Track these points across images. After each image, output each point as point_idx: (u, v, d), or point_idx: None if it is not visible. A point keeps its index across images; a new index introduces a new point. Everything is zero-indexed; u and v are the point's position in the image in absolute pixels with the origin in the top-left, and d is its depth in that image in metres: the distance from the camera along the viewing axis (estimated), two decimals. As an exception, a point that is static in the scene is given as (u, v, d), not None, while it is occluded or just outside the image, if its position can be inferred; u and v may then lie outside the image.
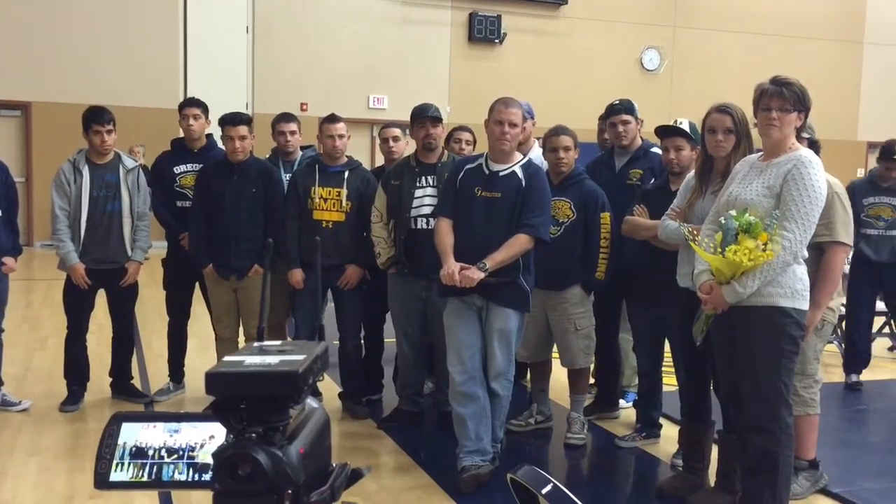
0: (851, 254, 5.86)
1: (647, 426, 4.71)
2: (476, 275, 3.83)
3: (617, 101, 4.97)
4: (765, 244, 3.13)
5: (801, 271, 3.28)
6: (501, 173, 4.01)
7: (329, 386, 5.43)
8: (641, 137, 4.96)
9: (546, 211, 4.07)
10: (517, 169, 4.02)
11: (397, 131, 5.19)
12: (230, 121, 4.90)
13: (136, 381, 5.42)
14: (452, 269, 3.87)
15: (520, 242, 3.91)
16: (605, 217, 4.49)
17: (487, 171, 4.04)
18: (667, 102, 15.00)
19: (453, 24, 15.35)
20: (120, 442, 1.05)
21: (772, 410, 3.27)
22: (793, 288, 3.24)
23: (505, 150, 4.01)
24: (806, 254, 3.29)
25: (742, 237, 3.15)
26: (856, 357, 6.13)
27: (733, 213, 3.22)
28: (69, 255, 4.92)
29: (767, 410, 3.27)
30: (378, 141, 5.41)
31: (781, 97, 3.25)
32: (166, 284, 5.42)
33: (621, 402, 5.25)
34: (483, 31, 15.31)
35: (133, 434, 1.05)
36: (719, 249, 3.21)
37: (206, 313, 5.36)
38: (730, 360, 3.41)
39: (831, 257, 3.72)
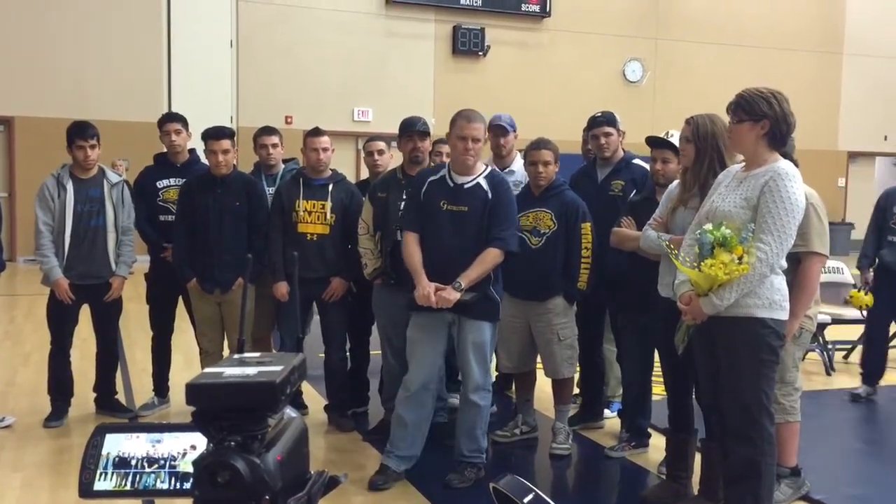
0: (877, 263, 5.91)
1: (636, 435, 4.73)
2: (452, 296, 3.88)
3: (599, 114, 5.02)
4: (740, 257, 3.15)
5: (780, 282, 3.31)
6: (466, 186, 4.03)
7: (315, 398, 5.44)
8: (623, 149, 5.01)
9: (514, 222, 4.12)
10: (482, 180, 4.04)
11: (382, 144, 5.21)
12: (213, 135, 4.90)
13: (121, 396, 5.40)
14: (428, 290, 3.90)
15: (491, 257, 3.95)
16: (586, 227, 4.52)
17: (452, 184, 4.06)
18: (649, 114, 15.11)
19: (437, 37, 15.42)
20: (104, 452, 1.07)
21: (753, 419, 3.29)
22: (771, 299, 3.27)
23: (469, 164, 4.03)
24: (784, 264, 3.33)
25: (718, 251, 3.18)
26: (873, 366, 6.07)
27: (708, 226, 3.25)
28: (53, 271, 4.91)
29: (749, 419, 3.30)
30: (363, 154, 5.43)
31: (732, 109, 3.32)
32: (149, 299, 5.41)
33: (606, 412, 5.27)
34: (467, 44, 15.38)
35: (116, 444, 1.08)
36: (696, 263, 3.24)
37: (190, 328, 5.35)
38: (711, 369, 3.45)
39: (807, 267, 3.76)
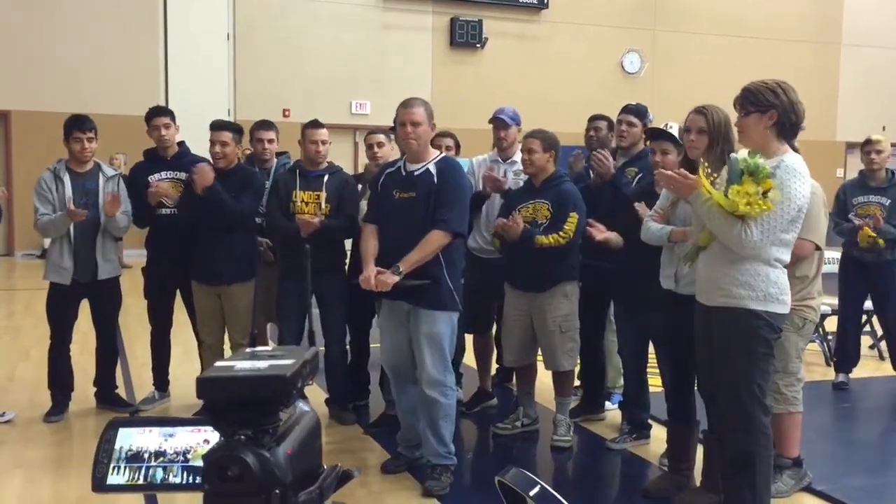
0: (840, 253, 5.90)
1: (637, 427, 4.73)
2: (390, 279, 3.86)
3: (633, 103, 5.03)
4: (766, 192, 3.07)
5: (776, 275, 3.27)
6: (416, 173, 4.05)
7: (315, 392, 5.43)
8: (645, 144, 4.97)
9: (460, 204, 4.05)
10: (430, 166, 4.05)
11: (382, 137, 5.20)
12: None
13: (121, 391, 5.39)
14: (368, 273, 3.93)
15: (433, 239, 3.91)
16: (573, 216, 4.47)
17: (404, 173, 4.09)
18: (648, 105, 14.98)
19: (435, 29, 15.37)
20: (116, 446, 1.07)
21: (746, 411, 3.29)
22: (765, 291, 3.24)
23: (413, 148, 4.03)
24: (785, 258, 3.29)
25: (745, 179, 3.09)
26: (846, 356, 6.17)
27: (743, 153, 3.17)
28: (58, 217, 4.84)
29: (742, 412, 3.29)
30: (360, 146, 5.44)
31: (739, 102, 3.29)
32: (147, 293, 5.39)
33: (607, 403, 5.27)
34: (465, 36, 15.33)
35: (129, 439, 1.08)
36: (724, 187, 3.15)
37: (188, 321, 5.33)
38: (708, 360, 3.44)
39: (796, 250, 3.72)
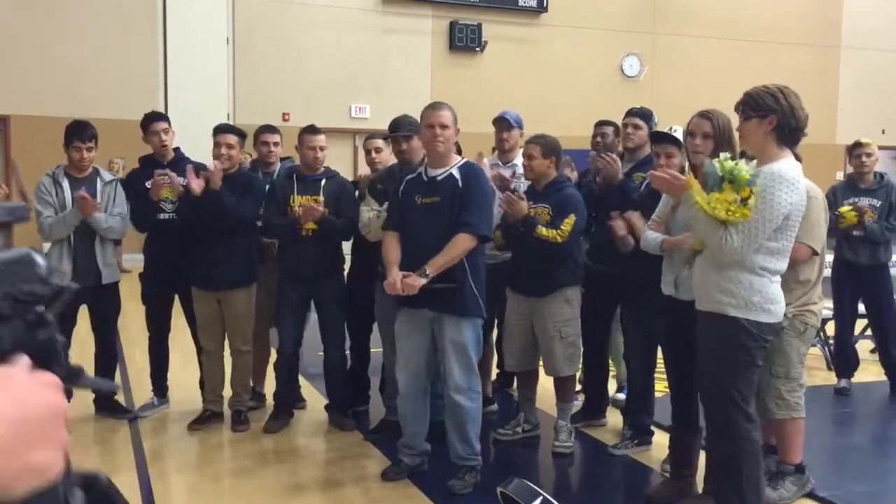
0: (833, 257, 5.91)
1: (639, 433, 4.71)
2: (417, 281, 3.84)
3: (638, 107, 5.03)
4: (745, 199, 3.05)
5: (761, 283, 3.23)
6: (439, 177, 4.05)
7: (316, 397, 5.41)
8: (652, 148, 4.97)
9: (485, 208, 4.07)
10: (454, 171, 4.05)
11: (380, 142, 5.19)
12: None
13: (120, 396, 5.37)
14: (394, 277, 3.90)
15: (460, 243, 3.91)
16: (570, 218, 4.44)
17: (426, 178, 4.08)
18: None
19: (434, 33, 15.37)
20: None
21: (727, 417, 3.27)
22: (747, 300, 3.21)
23: (440, 151, 4.03)
24: (774, 266, 3.24)
25: (726, 186, 3.08)
26: (845, 361, 6.16)
27: (725, 155, 3.17)
28: (69, 212, 4.82)
29: (722, 416, 3.29)
30: (360, 151, 5.44)
31: (740, 107, 3.29)
32: (145, 298, 5.37)
33: (619, 395, 5.28)
34: (464, 40, 15.33)
35: None
36: (707, 198, 3.16)
37: (187, 327, 5.30)
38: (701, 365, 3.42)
39: (792, 254, 3.71)
